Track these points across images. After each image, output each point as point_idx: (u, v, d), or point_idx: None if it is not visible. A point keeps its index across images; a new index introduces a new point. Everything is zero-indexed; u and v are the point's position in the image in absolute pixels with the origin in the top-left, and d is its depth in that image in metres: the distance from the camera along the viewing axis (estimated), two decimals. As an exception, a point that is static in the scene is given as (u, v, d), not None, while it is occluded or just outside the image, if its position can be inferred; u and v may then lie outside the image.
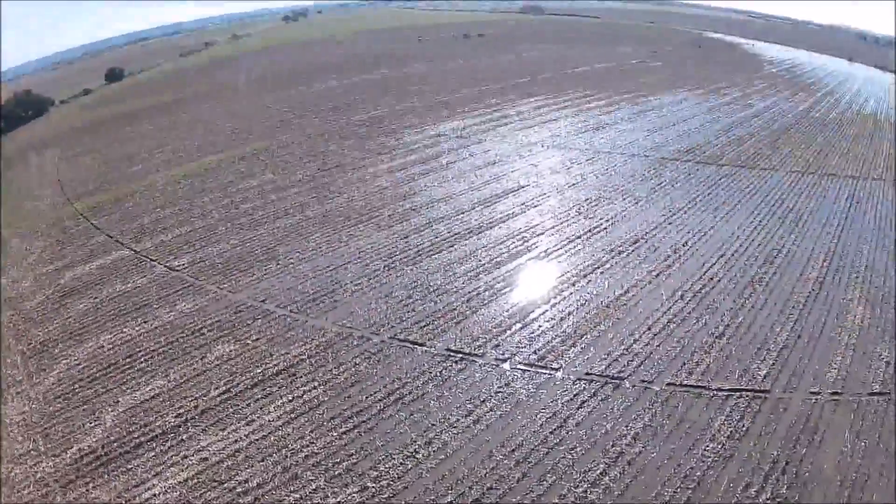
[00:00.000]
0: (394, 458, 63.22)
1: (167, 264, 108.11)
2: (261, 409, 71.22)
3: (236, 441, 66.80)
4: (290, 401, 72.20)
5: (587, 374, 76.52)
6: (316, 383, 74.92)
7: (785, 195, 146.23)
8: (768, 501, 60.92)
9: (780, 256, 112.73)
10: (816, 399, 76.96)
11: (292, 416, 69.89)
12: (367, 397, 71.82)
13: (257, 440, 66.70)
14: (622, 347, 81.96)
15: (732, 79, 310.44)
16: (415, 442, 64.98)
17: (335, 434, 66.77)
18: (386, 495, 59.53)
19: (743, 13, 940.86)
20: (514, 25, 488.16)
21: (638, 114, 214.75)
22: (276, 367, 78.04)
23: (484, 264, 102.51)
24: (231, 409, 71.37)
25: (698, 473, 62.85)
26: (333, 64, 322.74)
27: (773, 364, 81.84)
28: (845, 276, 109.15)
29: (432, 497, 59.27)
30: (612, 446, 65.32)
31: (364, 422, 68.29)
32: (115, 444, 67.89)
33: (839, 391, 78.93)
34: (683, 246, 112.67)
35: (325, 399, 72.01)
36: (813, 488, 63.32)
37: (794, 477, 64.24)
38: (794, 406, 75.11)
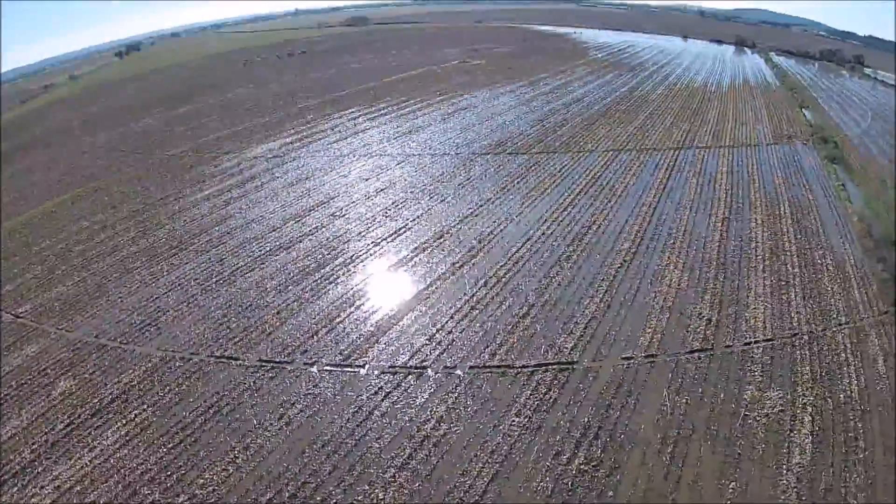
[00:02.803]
0: (217, 466, 67.08)
1: (13, 312, 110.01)
2: (101, 435, 74.38)
3: (82, 468, 69.90)
4: (125, 425, 75.60)
5: (391, 367, 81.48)
6: (145, 406, 78.41)
7: (599, 174, 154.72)
8: (582, 466, 65.45)
9: (591, 233, 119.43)
10: (629, 364, 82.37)
11: (127, 438, 73.27)
12: (190, 413, 75.55)
13: (100, 464, 69.93)
14: (424, 338, 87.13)
15: (555, 68, 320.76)
16: (234, 449, 69.01)
17: (165, 450, 70.42)
18: (212, 500, 63.31)
19: (575, 3, 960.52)
20: (338, 39, 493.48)
21: (452, 113, 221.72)
22: (110, 396, 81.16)
23: (293, 277, 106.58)
24: (76, 440, 74.36)
25: (505, 447, 67.64)
26: (160, 97, 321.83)
27: (581, 336, 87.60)
28: (661, 244, 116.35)
29: (253, 497, 63.26)
30: (418, 431, 70.04)
31: (189, 435, 72.04)
32: (-17, 486, 69.95)
33: (654, 353, 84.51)
34: (489, 235, 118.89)
35: (154, 419, 75.54)
36: (630, 449, 68.21)
37: (608, 440, 69.18)
38: (605, 373, 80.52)
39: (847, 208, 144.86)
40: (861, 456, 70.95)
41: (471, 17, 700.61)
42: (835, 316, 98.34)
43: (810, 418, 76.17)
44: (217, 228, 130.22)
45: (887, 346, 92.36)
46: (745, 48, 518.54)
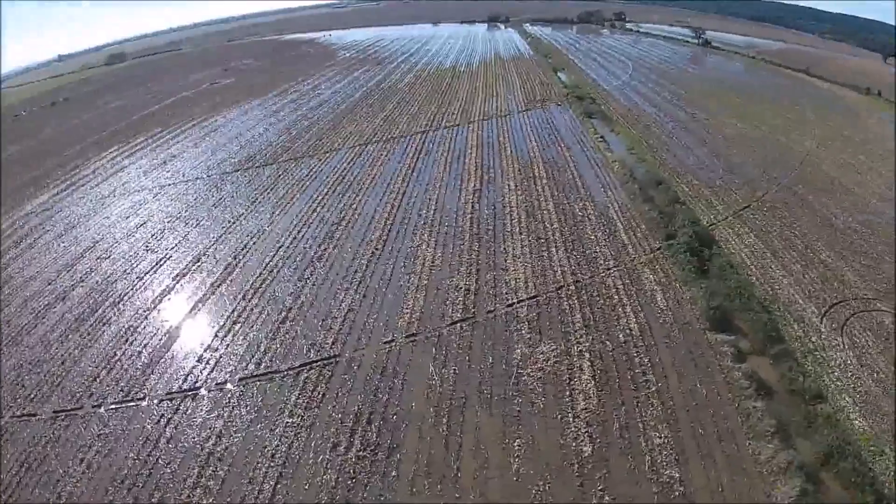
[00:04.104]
0: (36, 520, 67.28)
1: None
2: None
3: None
4: (-29, 496, 74.59)
5: (168, 394, 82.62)
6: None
7: (346, 171, 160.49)
8: (360, 452, 68.54)
9: (341, 229, 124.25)
10: (391, 347, 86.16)
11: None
12: (7, 474, 74.34)
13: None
14: (194, 360, 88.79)
15: (303, 75, 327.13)
16: (48, 501, 68.91)
17: (-9, 511, 69.92)
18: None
19: (326, 6, 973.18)
20: (99, 79, 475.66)
21: (203, 137, 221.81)
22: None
23: (71, 326, 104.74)
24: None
25: (283, 449, 70.42)
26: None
27: (340, 329, 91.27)
28: (412, 226, 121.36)
29: (69, 543, 64.45)
30: (202, 449, 71.95)
31: (10, 496, 70.81)
32: None
33: (415, 332, 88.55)
34: (243, 250, 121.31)
35: (-26, 487, 74.85)
36: (406, 427, 71.87)
37: (381, 423, 72.60)
38: (368, 360, 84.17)
39: (607, 158, 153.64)
40: (654, 389, 75.49)
41: (224, 37, 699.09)
42: (602, 262, 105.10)
43: (589, 364, 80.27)
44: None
45: (664, 279, 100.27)
46: (499, 24, 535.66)
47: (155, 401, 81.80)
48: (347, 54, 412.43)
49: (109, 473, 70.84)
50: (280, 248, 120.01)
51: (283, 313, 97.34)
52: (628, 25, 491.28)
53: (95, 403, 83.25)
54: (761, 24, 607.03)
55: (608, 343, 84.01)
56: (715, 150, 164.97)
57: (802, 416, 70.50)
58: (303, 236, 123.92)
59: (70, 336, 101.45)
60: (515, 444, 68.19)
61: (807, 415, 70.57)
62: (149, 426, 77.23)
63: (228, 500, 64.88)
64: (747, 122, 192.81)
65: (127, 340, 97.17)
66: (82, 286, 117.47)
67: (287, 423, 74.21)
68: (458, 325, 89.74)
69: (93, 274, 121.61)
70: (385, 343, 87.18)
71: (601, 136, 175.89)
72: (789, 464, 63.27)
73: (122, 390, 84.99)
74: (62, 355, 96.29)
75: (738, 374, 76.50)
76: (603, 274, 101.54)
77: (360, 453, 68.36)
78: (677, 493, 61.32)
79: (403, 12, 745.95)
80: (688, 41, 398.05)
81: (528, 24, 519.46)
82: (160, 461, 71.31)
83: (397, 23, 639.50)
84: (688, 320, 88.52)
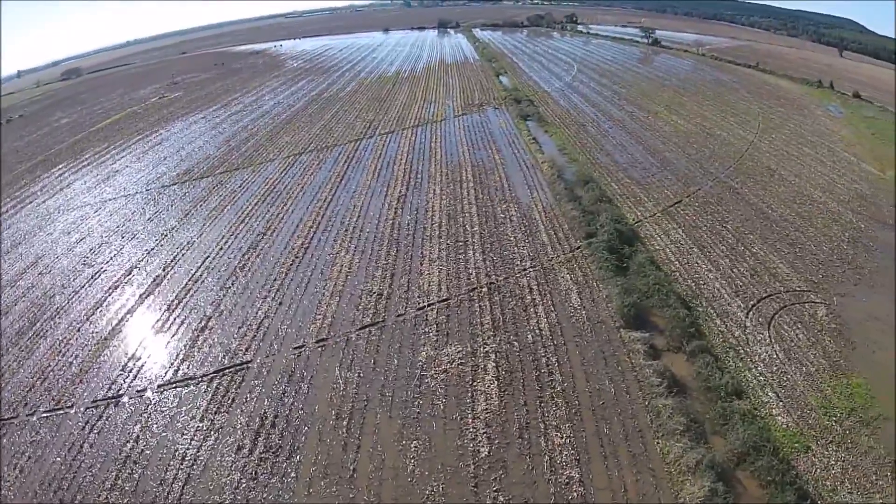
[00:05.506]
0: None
1: None
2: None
3: None
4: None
5: (94, 402, 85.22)
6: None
7: (276, 181, 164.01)
8: (263, 454, 70.97)
9: (265, 239, 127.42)
10: (300, 353, 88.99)
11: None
12: None
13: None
14: (119, 369, 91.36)
15: (249, 86, 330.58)
16: None
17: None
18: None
19: (279, 16, 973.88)
20: (53, 95, 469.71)
21: (147, 151, 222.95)
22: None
23: (11, 339, 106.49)
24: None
25: (192, 452, 73.04)
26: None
27: (254, 337, 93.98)
28: (333, 233, 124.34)
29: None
30: (120, 453, 74.54)
31: None
32: None
33: (325, 337, 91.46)
34: (172, 262, 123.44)
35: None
36: (307, 430, 74.29)
37: (285, 426, 75.07)
38: (278, 366, 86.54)
39: (537, 159, 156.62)
40: (559, 388, 76.54)
41: (178, 50, 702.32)
42: (518, 263, 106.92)
43: (494, 365, 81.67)
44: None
45: (581, 278, 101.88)
46: (449, 29, 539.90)
47: (82, 408, 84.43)
48: (295, 64, 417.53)
49: (38, 478, 73.64)
50: (207, 258, 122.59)
51: (203, 322, 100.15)
52: (579, 27, 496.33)
53: (29, 412, 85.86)
54: (714, 23, 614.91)
55: (516, 343, 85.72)
56: (651, 147, 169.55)
57: (717, 413, 70.34)
58: (229, 247, 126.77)
59: (10, 349, 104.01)
60: (413, 445, 69.91)
61: (723, 412, 70.30)
62: (75, 432, 79.88)
63: (141, 500, 67.95)
64: (688, 119, 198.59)
65: (60, 352, 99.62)
66: (24, 301, 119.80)
67: (197, 427, 77.04)
68: (368, 329, 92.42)
69: (34, 289, 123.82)
70: (296, 349, 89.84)
71: (534, 138, 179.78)
72: (698, 463, 62.89)
73: (53, 399, 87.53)
74: (2, 368, 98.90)
75: (650, 372, 77.06)
76: (518, 275, 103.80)
77: (263, 455, 70.81)
78: (576, 494, 62.00)
79: (355, 21, 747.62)
80: (637, 41, 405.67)
81: (477, 29, 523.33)
82: (83, 465, 74.04)
83: (348, 31, 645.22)
84: (602, 318, 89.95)
